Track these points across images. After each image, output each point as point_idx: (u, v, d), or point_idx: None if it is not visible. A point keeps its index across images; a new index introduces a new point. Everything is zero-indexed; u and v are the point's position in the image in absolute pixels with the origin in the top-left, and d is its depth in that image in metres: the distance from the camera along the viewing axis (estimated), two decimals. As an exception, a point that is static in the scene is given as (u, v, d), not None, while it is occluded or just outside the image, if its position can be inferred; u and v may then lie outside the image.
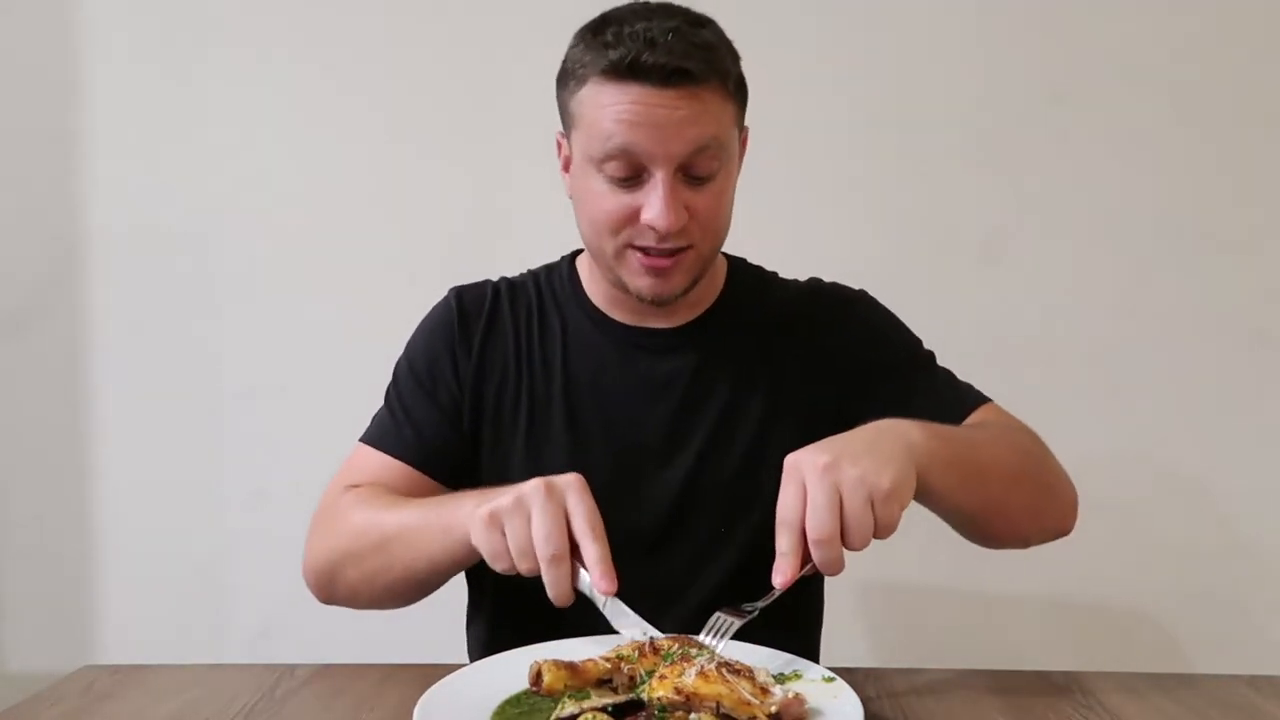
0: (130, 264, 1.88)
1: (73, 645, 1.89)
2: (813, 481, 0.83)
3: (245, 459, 1.87)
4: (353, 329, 1.82)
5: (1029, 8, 1.78)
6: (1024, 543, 1.08)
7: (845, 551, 0.84)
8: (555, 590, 0.85)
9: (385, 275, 1.81)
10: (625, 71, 0.95)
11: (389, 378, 1.18)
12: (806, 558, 0.84)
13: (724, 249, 1.19)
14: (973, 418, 1.09)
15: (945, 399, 1.10)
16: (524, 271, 1.21)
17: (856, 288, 1.20)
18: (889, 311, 1.19)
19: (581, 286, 1.16)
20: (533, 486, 0.87)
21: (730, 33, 1.03)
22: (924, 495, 0.91)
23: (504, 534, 0.87)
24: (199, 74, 1.86)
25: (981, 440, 1.01)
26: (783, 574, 0.83)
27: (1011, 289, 1.80)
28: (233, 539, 1.88)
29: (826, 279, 1.21)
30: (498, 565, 0.88)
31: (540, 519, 0.85)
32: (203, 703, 0.94)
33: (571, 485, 0.88)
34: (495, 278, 1.20)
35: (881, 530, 0.83)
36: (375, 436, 1.14)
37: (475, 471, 1.12)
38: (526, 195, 1.73)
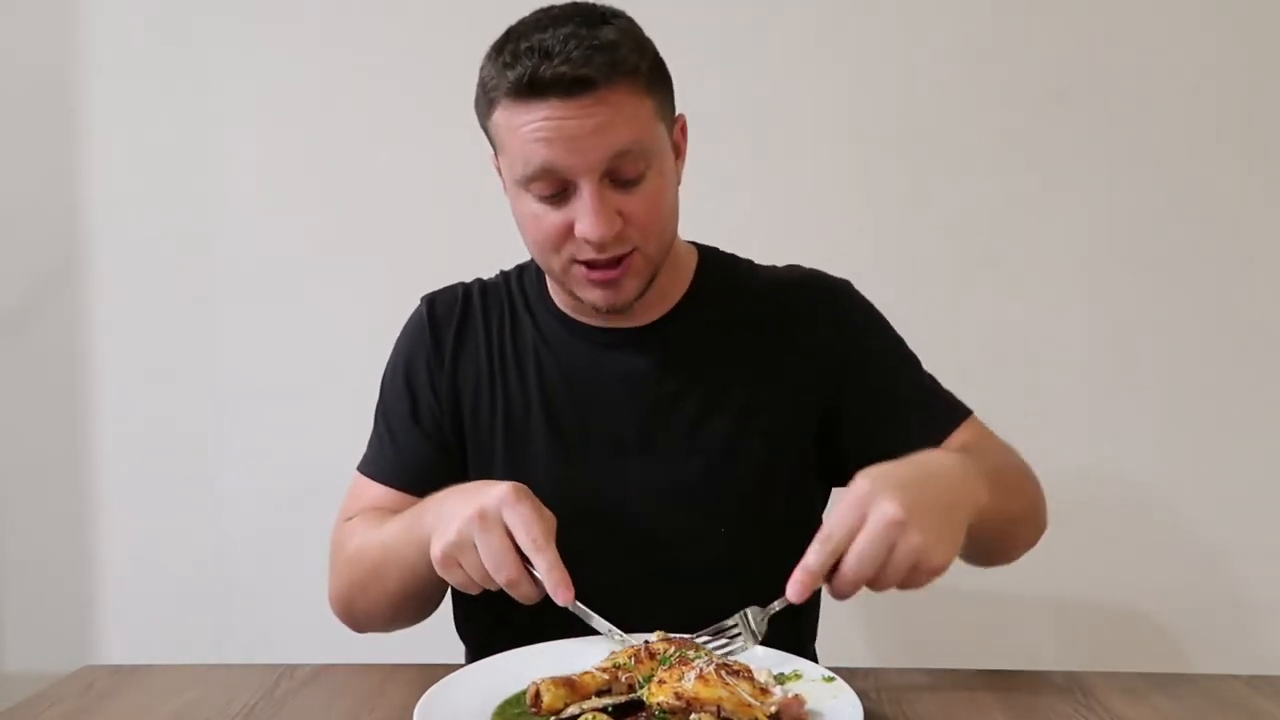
0: (130, 263, 1.88)
1: (73, 645, 1.89)
2: (874, 526, 0.82)
3: (245, 459, 1.87)
4: (353, 329, 1.81)
5: (1031, 8, 1.78)
6: (1008, 562, 1.12)
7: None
8: (522, 600, 0.89)
9: (386, 275, 1.81)
10: (527, 90, 0.93)
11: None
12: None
13: (701, 240, 1.18)
14: (957, 435, 1.08)
15: (930, 408, 1.10)
16: (498, 272, 1.21)
17: (840, 277, 1.18)
18: (872, 305, 1.16)
19: (547, 289, 1.15)
20: (465, 520, 0.88)
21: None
22: None
23: (462, 568, 0.90)
24: (199, 73, 1.86)
25: (1011, 486, 1.02)
26: (798, 592, 0.84)
27: (1011, 290, 1.79)
28: (233, 539, 1.88)
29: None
30: (470, 592, 0.91)
31: (485, 551, 0.88)
32: (203, 703, 0.94)
33: (505, 501, 0.88)
34: (469, 279, 1.19)
35: (904, 588, 0.84)
36: (368, 463, 1.16)
37: (464, 479, 1.10)
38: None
